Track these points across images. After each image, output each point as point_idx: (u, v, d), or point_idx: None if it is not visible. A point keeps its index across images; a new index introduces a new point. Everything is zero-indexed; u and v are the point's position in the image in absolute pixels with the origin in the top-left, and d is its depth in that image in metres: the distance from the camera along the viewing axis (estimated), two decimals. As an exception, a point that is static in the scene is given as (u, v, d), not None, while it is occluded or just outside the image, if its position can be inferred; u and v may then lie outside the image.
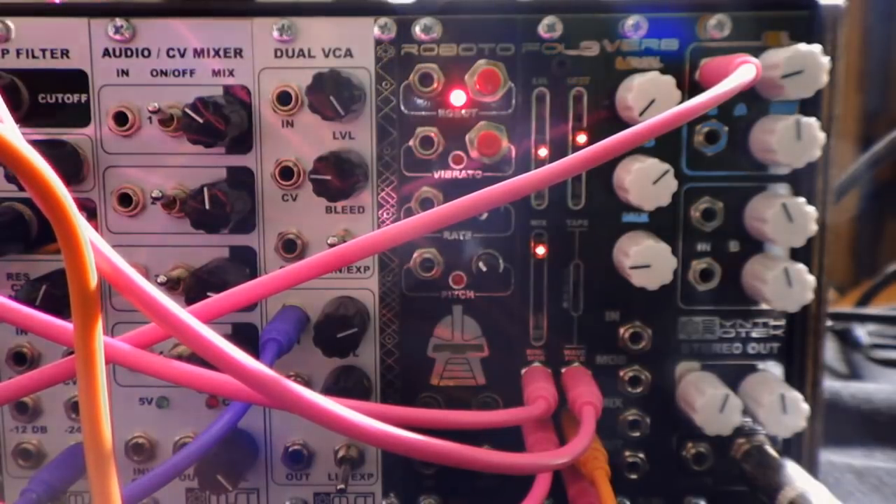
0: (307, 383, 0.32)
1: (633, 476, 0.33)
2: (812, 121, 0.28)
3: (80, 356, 0.16)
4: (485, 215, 0.31)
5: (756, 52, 0.29)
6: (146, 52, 0.31)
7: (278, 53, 0.31)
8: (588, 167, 0.23)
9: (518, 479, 0.27)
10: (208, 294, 0.28)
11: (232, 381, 0.21)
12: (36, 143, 0.29)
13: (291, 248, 0.31)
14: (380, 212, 0.31)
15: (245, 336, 0.32)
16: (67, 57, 0.31)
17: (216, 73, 0.31)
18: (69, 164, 0.30)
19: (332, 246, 0.31)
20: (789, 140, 0.28)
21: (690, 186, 0.31)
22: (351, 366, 0.32)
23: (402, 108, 0.31)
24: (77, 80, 0.31)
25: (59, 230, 0.15)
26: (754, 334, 0.32)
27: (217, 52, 0.31)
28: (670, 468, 0.33)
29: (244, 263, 0.31)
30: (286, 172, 0.31)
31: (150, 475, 0.26)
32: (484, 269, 0.31)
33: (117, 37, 0.30)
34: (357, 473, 0.33)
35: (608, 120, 0.31)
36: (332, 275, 0.31)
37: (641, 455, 0.33)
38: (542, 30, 0.31)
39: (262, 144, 0.31)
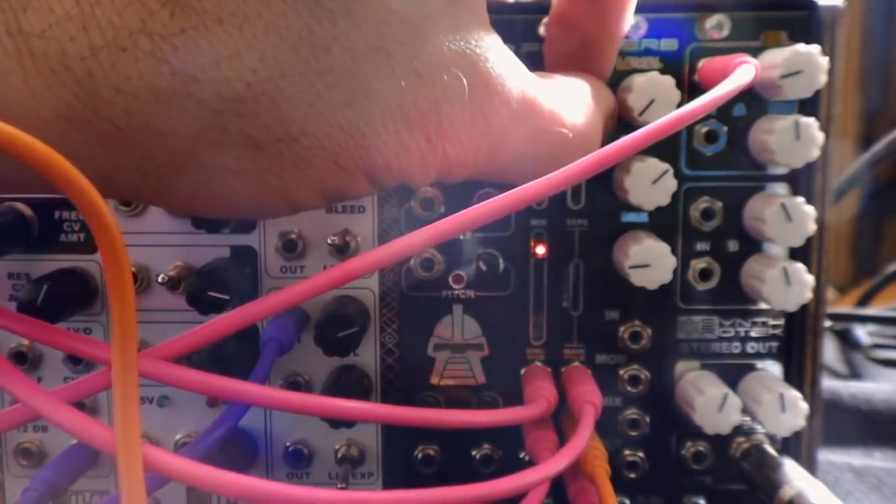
0: (307, 383, 0.32)
1: (633, 475, 0.33)
2: (811, 121, 0.28)
3: (116, 366, 0.17)
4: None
5: (755, 53, 0.29)
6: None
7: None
8: (593, 173, 0.24)
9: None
10: (210, 293, 0.28)
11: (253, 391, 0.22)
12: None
13: (292, 248, 0.31)
14: (380, 211, 0.31)
15: (246, 336, 0.32)
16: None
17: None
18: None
19: (332, 245, 0.31)
20: (788, 140, 0.28)
21: (690, 186, 0.32)
22: (351, 365, 0.32)
23: (403, 108, 0.31)
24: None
25: (100, 237, 0.15)
26: (753, 333, 0.32)
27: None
28: (669, 467, 0.33)
29: (245, 263, 0.32)
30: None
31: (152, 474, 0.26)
32: (484, 268, 0.31)
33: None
34: (357, 472, 0.33)
35: (608, 120, 0.31)
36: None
37: (641, 454, 0.33)
38: (542, 30, 0.31)
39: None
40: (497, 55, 0.23)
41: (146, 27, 0.17)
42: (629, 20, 0.28)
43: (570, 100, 0.26)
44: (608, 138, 0.27)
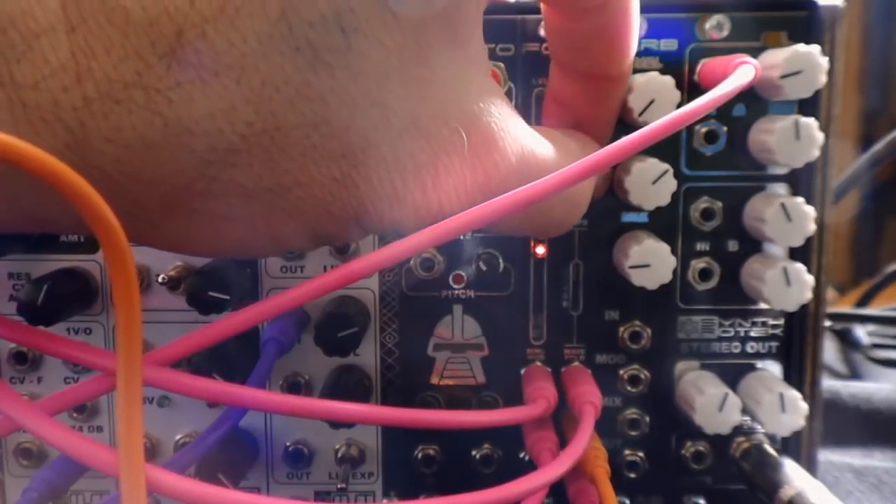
0: (307, 383, 0.32)
1: (633, 475, 0.33)
2: (811, 121, 0.28)
3: (122, 371, 0.17)
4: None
5: (755, 53, 0.29)
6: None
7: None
8: (593, 174, 0.24)
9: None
10: (210, 293, 0.28)
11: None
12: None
13: (292, 247, 0.31)
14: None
15: (246, 336, 0.32)
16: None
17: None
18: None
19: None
20: (788, 140, 0.28)
21: (689, 186, 0.32)
22: (351, 365, 0.32)
23: (403, 108, 0.31)
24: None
25: (104, 241, 0.15)
26: (753, 333, 0.32)
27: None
28: (669, 467, 0.33)
29: (245, 263, 0.32)
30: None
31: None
32: (484, 268, 0.31)
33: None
34: (357, 472, 0.33)
35: (608, 120, 0.31)
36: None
37: (641, 454, 0.33)
38: (542, 30, 0.31)
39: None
40: (498, 109, 0.23)
41: (142, 80, 0.17)
42: (621, 99, 0.28)
43: (565, 156, 0.26)
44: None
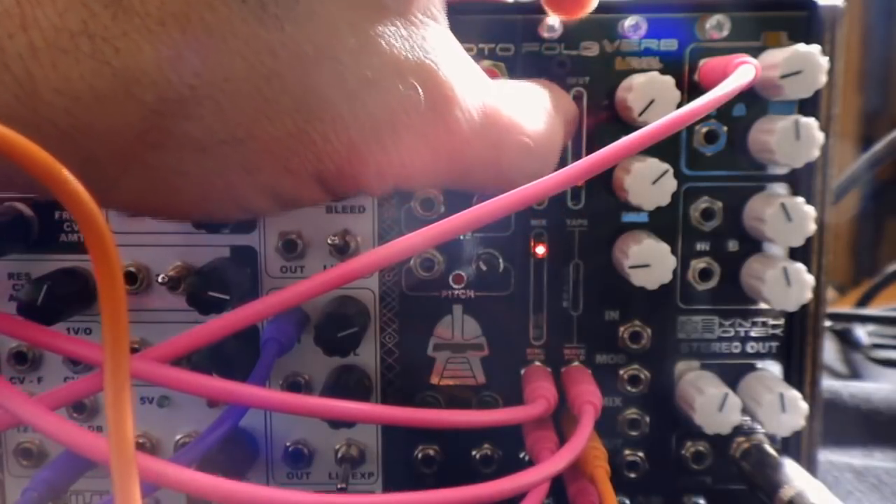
0: (307, 383, 0.32)
1: (633, 475, 0.33)
2: (811, 121, 0.28)
3: (108, 369, 0.17)
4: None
5: (755, 53, 0.29)
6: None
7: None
8: (593, 174, 0.24)
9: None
10: (210, 293, 0.28)
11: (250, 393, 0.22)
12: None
13: (292, 248, 0.31)
14: (380, 211, 0.31)
15: (246, 336, 0.32)
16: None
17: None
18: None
19: (332, 245, 0.31)
20: (788, 140, 0.28)
21: (690, 186, 0.32)
22: (351, 365, 0.32)
23: (403, 108, 0.31)
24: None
25: (88, 236, 0.15)
26: (753, 333, 0.32)
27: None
28: (669, 467, 0.33)
29: (245, 263, 0.32)
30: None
31: (152, 474, 0.26)
32: (484, 268, 0.31)
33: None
34: (358, 472, 0.33)
35: (608, 120, 0.31)
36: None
37: (641, 454, 0.33)
38: (542, 30, 0.31)
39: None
40: (456, 64, 0.23)
41: (88, 29, 0.17)
42: None
43: (530, 107, 0.26)
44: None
